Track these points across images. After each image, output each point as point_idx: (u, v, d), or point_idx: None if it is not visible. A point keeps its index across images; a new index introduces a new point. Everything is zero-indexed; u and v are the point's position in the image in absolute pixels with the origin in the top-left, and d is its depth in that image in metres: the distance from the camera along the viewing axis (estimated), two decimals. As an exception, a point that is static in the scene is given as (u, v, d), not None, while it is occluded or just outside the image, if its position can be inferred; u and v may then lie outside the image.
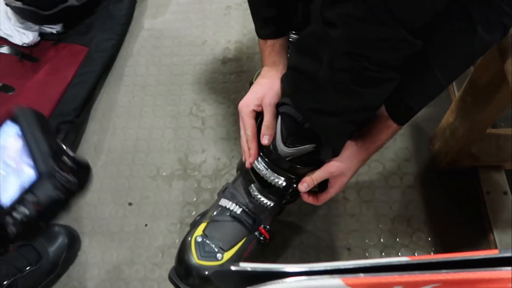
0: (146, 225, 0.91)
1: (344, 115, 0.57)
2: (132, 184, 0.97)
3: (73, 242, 0.87)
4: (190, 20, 1.24)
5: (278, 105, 0.65)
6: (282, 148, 0.64)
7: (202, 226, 0.72)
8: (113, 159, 1.01)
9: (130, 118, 1.07)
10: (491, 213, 0.85)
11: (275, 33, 0.67)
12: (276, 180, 0.66)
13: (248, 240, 0.72)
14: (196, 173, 0.97)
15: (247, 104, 0.65)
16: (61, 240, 0.84)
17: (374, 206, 0.91)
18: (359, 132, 0.64)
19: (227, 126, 1.04)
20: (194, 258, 0.68)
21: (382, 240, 0.87)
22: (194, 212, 0.92)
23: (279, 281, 0.32)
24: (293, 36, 0.91)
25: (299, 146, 0.63)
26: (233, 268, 0.33)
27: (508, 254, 0.32)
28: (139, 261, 0.87)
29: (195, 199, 0.94)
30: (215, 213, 0.73)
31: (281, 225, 0.87)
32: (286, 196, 0.71)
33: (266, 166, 0.66)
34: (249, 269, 0.34)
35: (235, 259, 0.71)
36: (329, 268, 0.32)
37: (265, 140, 0.64)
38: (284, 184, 0.66)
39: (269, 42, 0.67)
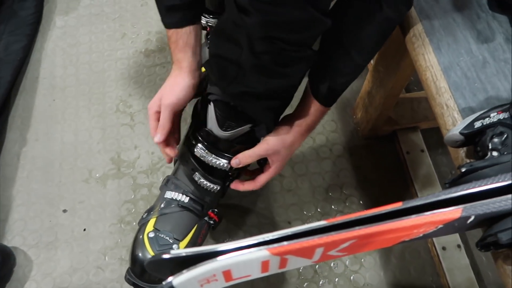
0: (84, 229, 0.89)
1: (271, 95, 0.59)
2: (63, 190, 0.93)
3: (6, 259, 0.82)
4: (106, 13, 1.20)
5: (207, 94, 0.65)
6: (219, 133, 0.65)
7: (151, 221, 0.71)
8: (40, 167, 0.96)
9: (52, 123, 1.02)
10: (411, 171, 0.93)
11: (180, 22, 0.62)
12: (218, 162, 0.67)
13: (199, 226, 0.73)
14: (131, 170, 0.96)
15: (151, 106, 0.66)
16: (-8, 259, 0.79)
17: (309, 179, 0.95)
18: (291, 114, 0.68)
19: (157, 119, 1.02)
20: (150, 253, 0.67)
21: (319, 209, 0.92)
22: (133, 210, 0.91)
23: (211, 260, 0.34)
24: (212, 20, 0.91)
25: (236, 128, 0.64)
26: (165, 256, 0.34)
27: (409, 205, 0.36)
28: (80, 267, 0.85)
29: (133, 196, 0.93)
30: (162, 206, 0.72)
31: (223, 209, 0.89)
32: (229, 178, 0.73)
33: (206, 151, 0.67)
34: (183, 254, 0.35)
35: (191, 247, 0.71)
36: (255, 241, 0.34)
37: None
38: (226, 165, 0.68)
39: (173, 36, 0.63)
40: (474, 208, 0.35)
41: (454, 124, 0.50)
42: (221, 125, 0.64)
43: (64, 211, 0.91)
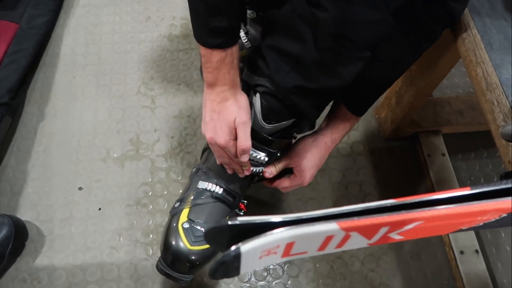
0: (99, 209, 0.87)
1: (322, 93, 0.59)
2: (80, 168, 0.91)
3: (19, 232, 0.80)
4: (130, -5, 1.19)
5: (254, 85, 0.63)
6: (263, 125, 0.64)
7: (185, 212, 0.70)
8: (57, 143, 0.94)
9: (72, 99, 1.00)
10: (432, 173, 0.92)
11: (227, 43, 0.56)
12: (255, 154, 0.66)
13: (230, 217, 0.72)
14: (150, 152, 0.94)
15: (224, 138, 0.60)
16: (5, 230, 0.77)
17: (328, 175, 0.95)
18: (325, 125, 0.70)
19: (179, 104, 1.01)
20: (186, 245, 0.66)
21: (337, 205, 0.91)
22: (150, 192, 0.89)
23: (279, 230, 0.33)
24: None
25: (280, 122, 0.63)
26: (230, 222, 0.33)
27: (478, 190, 0.35)
28: (94, 246, 0.83)
29: (150, 179, 0.91)
30: (194, 196, 0.71)
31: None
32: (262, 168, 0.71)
33: None
34: (252, 221, 0.34)
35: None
36: (324, 214, 0.33)
37: (244, 159, 0.62)
38: (264, 158, 0.67)
39: (216, 56, 0.56)
40: (543, 197, 0.34)
41: (505, 121, 0.49)
42: (266, 117, 0.62)
43: (80, 188, 0.89)
